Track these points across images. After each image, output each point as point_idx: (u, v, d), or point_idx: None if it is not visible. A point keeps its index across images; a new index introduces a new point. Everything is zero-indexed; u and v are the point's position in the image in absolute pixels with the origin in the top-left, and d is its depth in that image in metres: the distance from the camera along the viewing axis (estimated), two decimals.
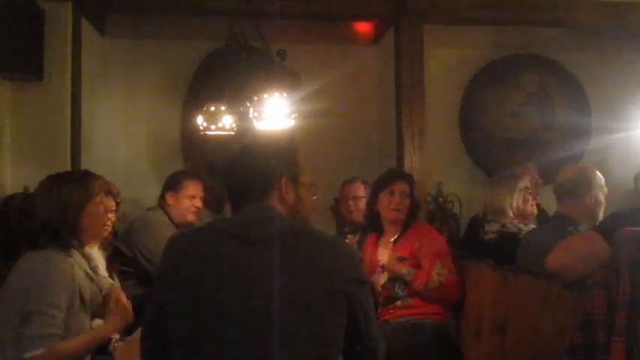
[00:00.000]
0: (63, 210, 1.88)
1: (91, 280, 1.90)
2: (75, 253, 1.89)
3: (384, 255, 2.93)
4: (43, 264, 1.79)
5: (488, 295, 2.64)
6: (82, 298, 1.84)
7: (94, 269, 1.96)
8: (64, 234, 1.88)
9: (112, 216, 2.36)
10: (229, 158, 1.58)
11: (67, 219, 1.88)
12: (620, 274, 1.59)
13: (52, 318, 1.71)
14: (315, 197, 1.71)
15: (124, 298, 1.97)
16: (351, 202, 3.62)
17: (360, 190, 3.61)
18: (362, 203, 3.55)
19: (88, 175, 2.03)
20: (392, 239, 2.97)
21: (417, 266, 2.82)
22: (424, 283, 2.75)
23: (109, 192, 2.33)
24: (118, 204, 2.48)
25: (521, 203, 3.13)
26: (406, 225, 2.96)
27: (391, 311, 2.83)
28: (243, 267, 1.36)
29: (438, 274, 2.74)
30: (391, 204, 2.95)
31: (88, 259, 1.95)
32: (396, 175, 3.12)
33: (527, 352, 2.28)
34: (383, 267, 2.92)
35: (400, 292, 2.83)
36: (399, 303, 2.83)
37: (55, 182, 1.93)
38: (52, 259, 1.81)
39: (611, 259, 1.67)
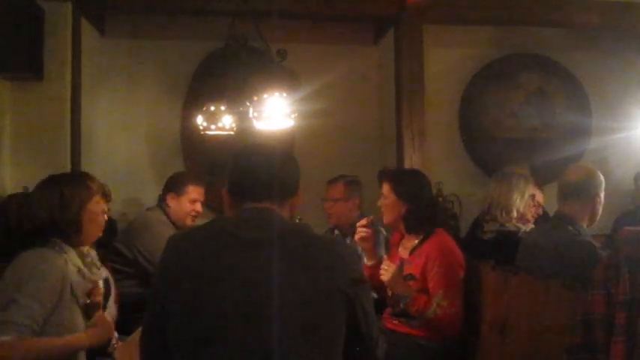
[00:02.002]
0: (65, 207, 1.93)
1: (84, 277, 1.93)
2: (70, 250, 1.93)
3: (387, 272, 2.71)
4: (35, 259, 1.84)
5: (489, 295, 2.64)
6: (73, 293, 1.87)
7: (89, 266, 1.98)
8: (65, 229, 1.93)
9: (105, 217, 2.39)
10: (239, 156, 1.55)
11: (68, 216, 1.94)
12: (620, 274, 1.60)
13: (29, 309, 1.74)
14: None
15: (107, 317, 2.01)
16: (325, 205, 3.37)
17: (338, 192, 3.35)
18: (339, 206, 3.32)
19: (87, 176, 2.10)
20: (411, 246, 2.76)
21: (423, 289, 2.61)
22: (420, 311, 2.56)
23: (103, 193, 2.34)
24: (108, 202, 2.50)
25: (526, 209, 3.12)
26: (426, 231, 2.72)
27: (394, 322, 2.70)
28: (243, 267, 1.36)
29: (437, 304, 2.53)
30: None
31: (83, 256, 1.99)
32: (379, 177, 2.93)
33: (527, 352, 2.28)
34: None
35: (402, 306, 2.64)
36: (402, 320, 2.66)
37: (56, 182, 1.99)
38: (45, 256, 1.86)
39: (611, 258, 1.68)
